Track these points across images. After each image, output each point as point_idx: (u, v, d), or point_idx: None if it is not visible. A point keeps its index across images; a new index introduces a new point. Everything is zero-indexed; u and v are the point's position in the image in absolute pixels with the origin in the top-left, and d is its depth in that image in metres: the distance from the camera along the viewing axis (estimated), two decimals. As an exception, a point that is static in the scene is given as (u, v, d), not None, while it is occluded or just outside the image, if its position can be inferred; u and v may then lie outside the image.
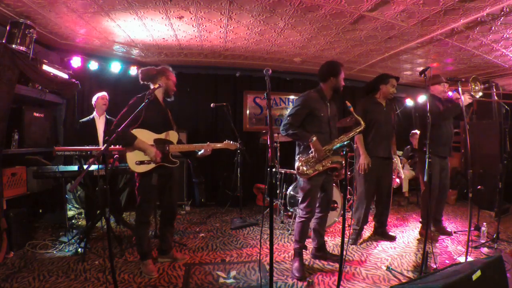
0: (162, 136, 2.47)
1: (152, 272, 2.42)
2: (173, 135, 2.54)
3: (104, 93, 3.72)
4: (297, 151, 2.66)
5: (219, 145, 2.68)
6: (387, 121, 3.19)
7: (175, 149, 2.52)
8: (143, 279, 2.37)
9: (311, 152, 2.48)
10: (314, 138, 2.42)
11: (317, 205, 2.73)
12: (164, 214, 2.68)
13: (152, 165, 2.37)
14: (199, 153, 2.65)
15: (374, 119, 3.10)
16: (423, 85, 2.57)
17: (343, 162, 2.57)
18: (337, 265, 2.60)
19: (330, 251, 2.90)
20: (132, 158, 2.32)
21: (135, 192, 2.46)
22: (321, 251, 2.81)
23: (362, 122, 2.64)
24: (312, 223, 2.81)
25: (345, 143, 2.47)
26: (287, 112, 2.62)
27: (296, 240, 2.62)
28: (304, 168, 2.49)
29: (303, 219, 2.59)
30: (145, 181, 2.40)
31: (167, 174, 2.51)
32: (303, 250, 2.67)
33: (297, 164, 2.54)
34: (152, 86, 2.48)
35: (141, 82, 2.55)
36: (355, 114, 2.63)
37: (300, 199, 2.65)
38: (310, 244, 2.91)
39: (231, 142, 2.75)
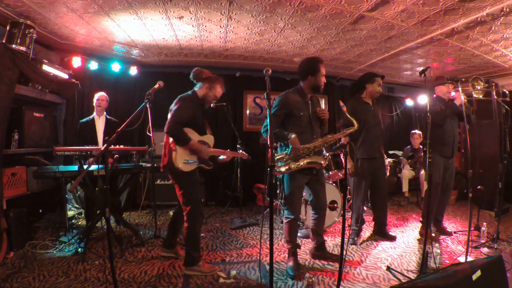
0: (203, 138, 2.53)
1: (213, 268, 2.48)
2: (210, 139, 2.60)
3: (100, 94, 3.71)
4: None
5: (236, 154, 2.82)
6: (376, 121, 3.18)
7: (212, 152, 2.58)
8: (143, 279, 2.37)
9: (287, 150, 2.47)
10: (293, 136, 2.40)
11: (311, 207, 2.74)
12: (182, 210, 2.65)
13: (195, 165, 2.44)
14: (221, 157, 2.69)
15: (363, 119, 3.05)
16: (423, 85, 2.56)
17: (323, 162, 2.57)
18: (337, 265, 2.60)
19: (330, 251, 2.90)
20: (181, 158, 2.38)
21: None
22: (320, 251, 2.81)
23: (355, 123, 2.61)
24: (310, 224, 2.82)
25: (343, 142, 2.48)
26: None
27: (287, 240, 2.63)
28: (277, 164, 2.48)
29: (288, 219, 2.59)
30: (191, 180, 2.44)
31: (199, 175, 2.60)
32: (297, 249, 2.68)
33: None
34: (197, 87, 2.54)
35: (190, 78, 2.58)
36: (348, 114, 2.61)
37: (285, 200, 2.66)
38: (310, 244, 2.91)
39: (241, 151, 2.92)
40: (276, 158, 2.49)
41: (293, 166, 2.46)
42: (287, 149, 2.47)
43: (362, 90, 3.22)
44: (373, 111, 3.20)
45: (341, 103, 2.58)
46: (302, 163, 2.47)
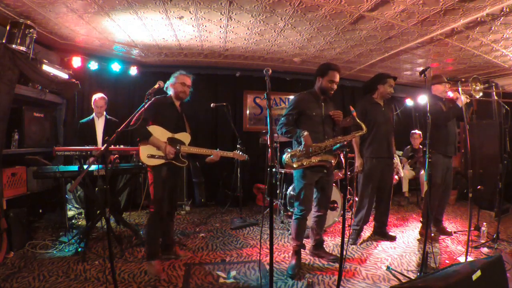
0: (175, 136, 2.56)
1: (159, 273, 2.43)
2: (185, 137, 2.63)
3: (97, 96, 3.66)
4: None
5: (230, 154, 2.77)
6: (386, 121, 3.20)
7: (186, 150, 2.59)
8: (143, 279, 2.37)
9: (300, 147, 2.52)
10: (306, 133, 2.47)
11: (315, 204, 2.74)
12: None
13: (162, 161, 2.46)
14: (208, 158, 2.68)
15: (373, 119, 3.11)
16: (423, 85, 2.57)
17: (333, 161, 2.64)
18: (337, 265, 2.60)
19: (330, 251, 2.91)
20: (145, 152, 2.43)
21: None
22: (317, 249, 2.82)
23: (363, 127, 2.67)
24: (311, 222, 2.82)
25: (344, 143, 2.49)
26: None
27: (293, 238, 2.64)
28: (290, 160, 2.54)
29: (298, 216, 2.62)
30: (156, 175, 2.48)
31: (175, 172, 2.61)
32: (302, 249, 2.68)
33: (284, 155, 2.58)
34: (169, 90, 2.66)
35: (164, 90, 2.65)
36: (358, 119, 2.65)
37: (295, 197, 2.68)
38: (309, 244, 2.91)
39: (240, 153, 2.86)
40: (289, 155, 2.54)
41: (305, 162, 2.53)
42: (300, 146, 2.52)
43: (374, 90, 3.26)
44: (383, 111, 3.22)
45: (351, 108, 2.64)
46: (314, 161, 2.54)
